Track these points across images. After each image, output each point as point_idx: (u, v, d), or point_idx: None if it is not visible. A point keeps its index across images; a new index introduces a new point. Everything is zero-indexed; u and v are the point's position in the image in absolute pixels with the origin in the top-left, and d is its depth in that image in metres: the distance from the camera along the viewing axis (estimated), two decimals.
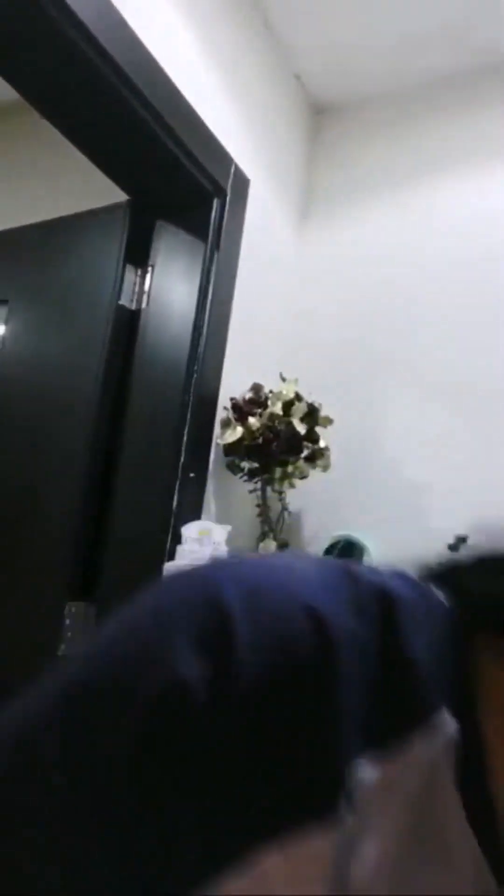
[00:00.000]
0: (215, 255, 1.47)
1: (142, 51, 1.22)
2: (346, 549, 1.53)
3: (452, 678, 0.29)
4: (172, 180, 1.44)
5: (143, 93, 1.22)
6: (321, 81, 1.79)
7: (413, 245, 1.68)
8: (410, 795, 0.27)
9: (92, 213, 1.59)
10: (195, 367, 1.42)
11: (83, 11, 1.09)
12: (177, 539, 1.36)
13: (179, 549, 1.35)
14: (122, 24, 1.18)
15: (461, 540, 1.41)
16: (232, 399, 1.47)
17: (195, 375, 1.42)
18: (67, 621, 1.39)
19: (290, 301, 1.78)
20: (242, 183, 1.56)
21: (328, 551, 1.53)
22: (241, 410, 1.45)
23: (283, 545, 1.51)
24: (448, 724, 0.28)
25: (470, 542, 1.40)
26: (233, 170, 1.52)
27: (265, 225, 1.68)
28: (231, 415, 1.47)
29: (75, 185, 1.72)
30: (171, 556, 1.36)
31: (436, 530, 1.47)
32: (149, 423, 1.43)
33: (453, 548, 1.41)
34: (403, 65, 1.70)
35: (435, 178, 1.70)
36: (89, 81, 1.20)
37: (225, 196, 1.49)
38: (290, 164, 1.79)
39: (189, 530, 1.36)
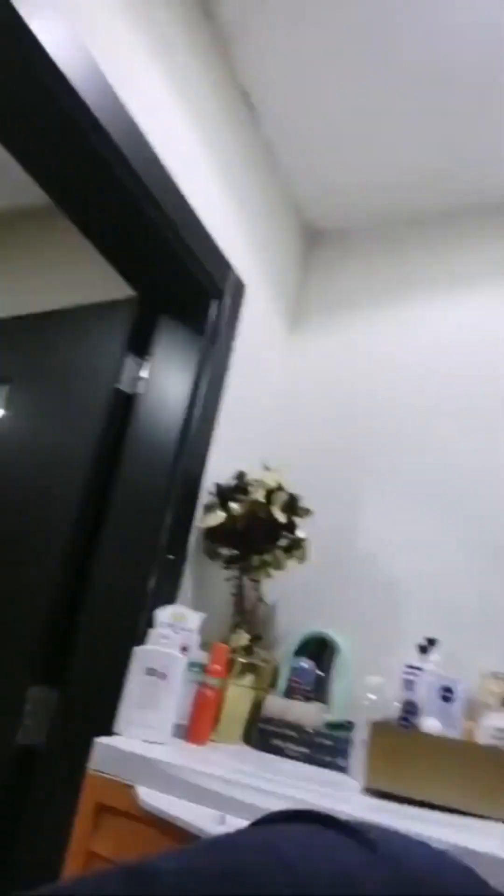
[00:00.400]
0: (210, 350, 1.57)
1: (160, 167, 1.37)
2: (319, 646, 1.51)
3: None
4: (177, 280, 1.56)
5: (158, 202, 1.36)
6: (317, 209, 1.99)
7: (393, 358, 1.81)
8: None
9: (99, 306, 1.71)
10: (184, 451, 1.47)
11: (111, 127, 1.23)
12: (150, 622, 1.34)
13: (152, 632, 1.32)
14: (144, 143, 1.33)
15: (431, 642, 1.41)
16: (217, 484, 1.51)
17: (183, 459, 1.47)
18: (28, 706, 1.33)
19: (277, 398, 1.87)
20: (240, 288, 1.69)
21: (301, 647, 1.51)
22: (224, 495, 1.48)
23: (256, 637, 1.49)
24: None
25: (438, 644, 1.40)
26: (231, 276, 1.65)
27: (258, 328, 1.80)
28: (214, 499, 1.50)
29: (88, 279, 1.85)
30: (143, 641, 1.33)
31: (407, 631, 1.47)
32: (134, 503, 1.45)
33: (423, 649, 1.40)
34: (394, 202, 1.91)
35: (416, 301, 1.86)
36: (114, 191, 1.33)
37: (223, 298, 1.62)
38: (284, 278, 1.95)
39: (163, 614, 1.35)
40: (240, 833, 0.46)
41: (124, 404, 1.55)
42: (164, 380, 1.57)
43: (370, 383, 1.80)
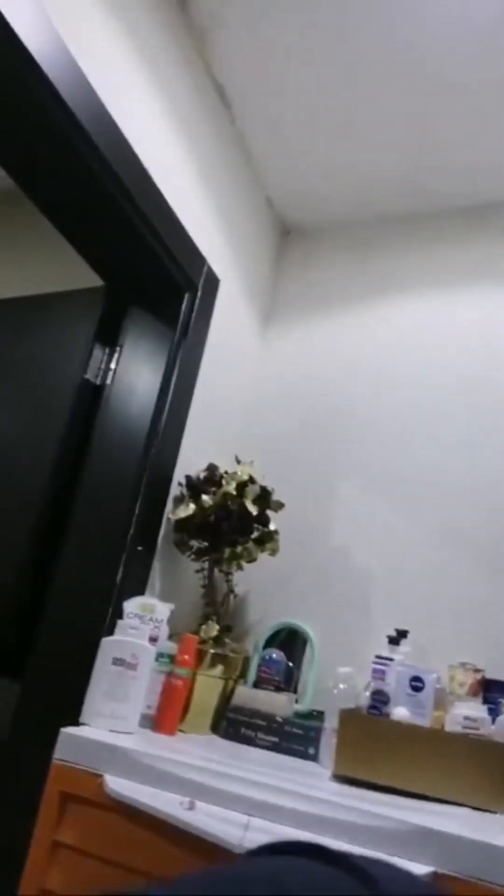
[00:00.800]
0: (182, 343, 1.56)
1: (132, 157, 1.37)
2: (290, 637, 1.51)
3: None
4: (149, 272, 1.55)
5: (130, 193, 1.35)
6: (289, 206, 2.01)
7: (364, 354, 1.83)
8: None
9: (68, 295, 1.69)
10: (153, 443, 1.46)
11: (89, 122, 1.22)
12: (118, 614, 1.32)
13: (120, 623, 1.30)
14: (116, 132, 1.32)
15: (401, 633, 1.42)
16: (187, 476, 1.50)
17: (153, 451, 1.45)
18: None
19: (249, 391, 1.87)
20: (213, 282, 1.69)
21: (272, 638, 1.51)
22: (195, 488, 1.47)
23: (226, 628, 1.48)
24: None
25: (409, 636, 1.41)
26: (205, 269, 1.65)
27: (231, 322, 1.80)
28: (185, 491, 1.49)
29: (56, 267, 1.83)
30: (111, 632, 1.31)
31: (377, 622, 1.48)
32: (102, 495, 1.43)
33: (393, 640, 1.41)
34: (363, 202, 1.94)
35: (386, 299, 1.88)
36: (84, 180, 1.31)
37: (196, 291, 1.61)
38: (257, 272, 1.95)
39: (131, 605, 1.33)
40: (242, 865, 0.47)
41: (92, 395, 1.53)
42: (134, 371, 1.55)
43: (341, 378, 1.82)
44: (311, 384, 1.85)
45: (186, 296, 1.60)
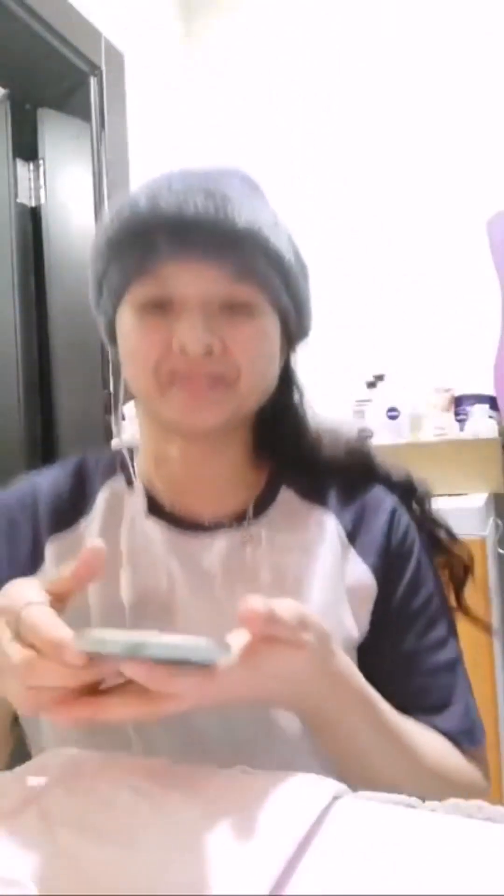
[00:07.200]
0: (103, 136, 1.48)
1: None
2: None
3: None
4: (44, 63, 1.41)
5: None
6: None
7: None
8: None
9: None
10: None
11: None
12: (121, 418, 1.46)
13: (124, 424, 1.44)
14: None
15: (378, 378, 1.55)
16: None
17: None
18: None
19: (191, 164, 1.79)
20: (117, 59, 1.53)
21: None
22: None
23: None
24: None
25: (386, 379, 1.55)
26: (103, 45, 1.49)
27: (152, 101, 1.66)
28: None
29: None
30: (118, 434, 1.46)
31: (357, 374, 1.61)
32: (71, 315, 1.48)
33: (371, 385, 1.55)
34: None
35: None
36: None
37: (100, 72, 1.48)
38: (165, 35, 1.74)
39: (131, 408, 1.45)
40: None
41: (32, 220, 1.49)
42: (63, 183, 1.49)
43: (283, 117, 1.71)
44: (253, 135, 1.74)
45: (92, 80, 1.48)
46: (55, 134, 1.48)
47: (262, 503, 0.54)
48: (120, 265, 0.48)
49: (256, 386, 0.49)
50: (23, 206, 1.49)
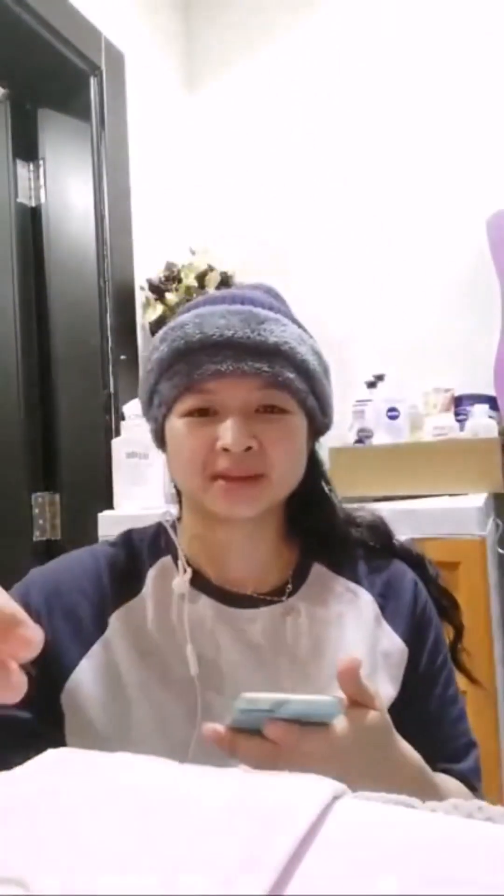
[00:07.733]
0: (103, 136, 1.48)
1: None
2: None
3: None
4: (44, 63, 1.41)
5: None
6: None
7: (304, 80, 1.70)
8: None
9: None
10: (105, 253, 1.46)
11: None
12: (121, 418, 1.46)
13: (123, 425, 1.45)
14: None
15: (378, 377, 1.55)
16: (148, 280, 1.53)
17: (106, 261, 1.46)
18: (36, 510, 1.49)
19: (189, 171, 1.78)
20: (117, 58, 1.54)
21: None
22: (157, 289, 1.51)
23: None
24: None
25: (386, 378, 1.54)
26: (104, 44, 1.49)
27: (151, 99, 1.66)
28: (149, 295, 1.53)
29: None
30: (119, 433, 1.46)
31: (357, 374, 1.61)
32: (71, 315, 1.48)
33: (371, 384, 1.55)
34: None
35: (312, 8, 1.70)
36: None
37: (100, 72, 1.48)
38: (167, 34, 1.74)
39: (131, 408, 1.46)
40: None
41: (32, 219, 1.49)
42: (63, 183, 1.49)
43: (285, 115, 1.71)
44: (255, 132, 1.74)
45: (92, 80, 1.48)
46: (55, 134, 1.49)
47: (298, 578, 0.60)
48: (170, 382, 0.55)
49: (287, 477, 0.56)
50: (23, 206, 1.49)
